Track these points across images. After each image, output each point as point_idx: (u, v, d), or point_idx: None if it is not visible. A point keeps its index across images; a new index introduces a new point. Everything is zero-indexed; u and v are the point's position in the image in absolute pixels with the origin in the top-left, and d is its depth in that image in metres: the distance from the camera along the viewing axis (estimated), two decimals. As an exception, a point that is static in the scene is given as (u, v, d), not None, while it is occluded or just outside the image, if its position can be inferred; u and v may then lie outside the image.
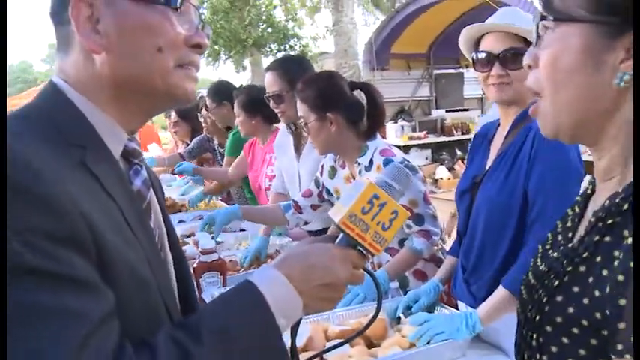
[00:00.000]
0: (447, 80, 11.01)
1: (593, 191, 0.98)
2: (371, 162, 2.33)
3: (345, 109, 2.33)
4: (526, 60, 0.91)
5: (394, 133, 9.62)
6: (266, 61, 16.59)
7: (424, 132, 9.88)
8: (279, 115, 3.08)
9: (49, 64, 52.36)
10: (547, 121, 0.90)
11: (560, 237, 1.01)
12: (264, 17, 15.66)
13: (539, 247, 1.07)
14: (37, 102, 0.94)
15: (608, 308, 0.76)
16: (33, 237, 0.74)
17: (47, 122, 0.90)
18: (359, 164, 2.38)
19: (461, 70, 10.61)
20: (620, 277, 0.75)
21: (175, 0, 0.95)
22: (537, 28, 0.89)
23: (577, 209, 1.01)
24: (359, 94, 2.39)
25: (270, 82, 3.01)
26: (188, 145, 5.16)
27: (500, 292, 1.72)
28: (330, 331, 1.81)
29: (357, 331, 1.11)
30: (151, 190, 1.06)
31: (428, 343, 1.69)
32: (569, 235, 0.98)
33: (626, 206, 0.81)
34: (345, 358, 1.65)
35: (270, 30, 15.94)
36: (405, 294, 2.10)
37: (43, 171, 0.78)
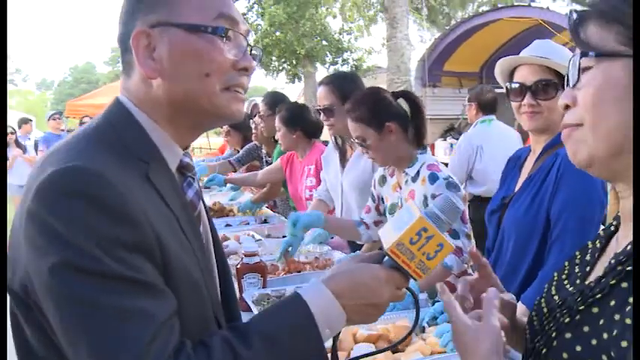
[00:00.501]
0: (499, 100, 10.98)
1: (617, 228, 0.99)
2: (417, 173, 2.45)
3: (398, 118, 2.47)
4: (563, 100, 0.92)
5: (443, 151, 9.66)
6: (319, 73, 16.83)
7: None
8: (328, 127, 3.22)
9: (111, 66, 54.04)
10: (583, 148, 0.89)
11: (577, 268, 1.03)
12: (318, 30, 15.89)
13: (555, 274, 1.09)
14: (107, 118, 1.04)
15: (613, 351, 0.79)
16: (111, 246, 0.84)
17: (116, 139, 1.00)
18: (406, 174, 2.51)
19: (513, 90, 10.55)
20: (628, 321, 0.78)
21: (222, 29, 1.03)
22: (578, 68, 0.89)
23: (598, 244, 1.02)
24: (402, 102, 2.53)
25: (322, 96, 3.17)
26: (239, 152, 5.37)
27: (520, 308, 1.82)
28: (358, 335, 1.94)
29: (390, 345, 1.22)
30: (201, 200, 1.16)
31: (451, 351, 1.80)
32: (587, 269, 0.99)
33: None
34: None
35: (324, 42, 16.14)
36: (432, 305, 2.21)
37: (116, 183, 0.88)
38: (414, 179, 2.47)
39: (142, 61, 1.01)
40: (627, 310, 0.78)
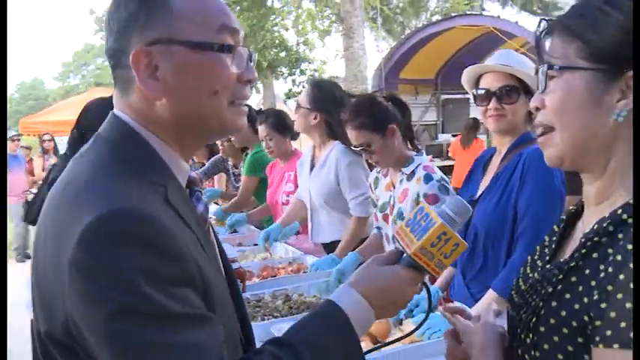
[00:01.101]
0: (454, 105, 11.27)
1: (578, 212, 1.13)
2: (413, 173, 2.57)
3: (395, 119, 2.59)
4: (534, 103, 1.05)
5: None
6: (277, 84, 16.93)
7: (430, 156, 10.08)
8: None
9: (62, 82, 52.80)
10: (556, 151, 1.03)
11: (547, 250, 1.16)
12: (277, 41, 16.01)
13: (529, 257, 1.21)
14: (114, 141, 0.99)
15: (593, 311, 0.90)
16: (164, 285, 0.84)
17: (132, 164, 0.96)
18: (402, 173, 2.62)
19: (467, 95, 10.83)
20: (609, 287, 0.89)
21: (227, 46, 0.99)
22: (545, 76, 1.02)
23: (562, 227, 1.15)
24: (390, 106, 2.65)
25: (303, 93, 3.35)
26: (204, 165, 5.40)
27: (490, 294, 1.98)
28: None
29: (399, 337, 1.31)
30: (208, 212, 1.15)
31: (429, 339, 1.91)
32: (554, 247, 1.13)
33: (611, 228, 0.94)
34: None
35: (283, 54, 16.27)
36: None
37: (160, 220, 0.87)
38: (409, 178, 2.58)
39: (145, 81, 0.97)
40: (601, 276, 0.91)
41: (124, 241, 0.83)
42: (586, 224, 1.05)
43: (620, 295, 0.87)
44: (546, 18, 1.07)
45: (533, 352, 1.02)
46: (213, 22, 0.99)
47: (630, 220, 0.93)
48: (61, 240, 0.87)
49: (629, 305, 0.85)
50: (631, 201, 0.96)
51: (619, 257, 0.90)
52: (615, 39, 0.96)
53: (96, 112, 2.43)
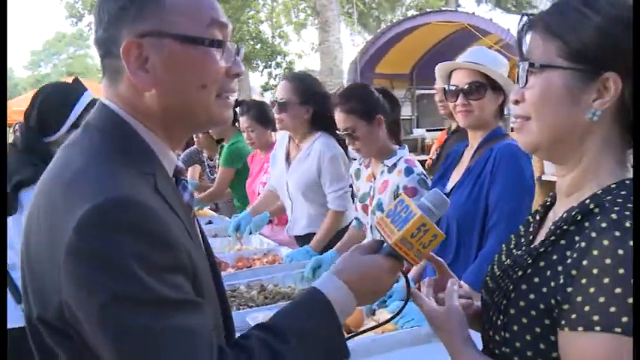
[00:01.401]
0: (428, 100, 11.33)
1: (552, 203, 1.18)
2: (395, 165, 2.62)
3: (384, 111, 2.64)
4: (514, 96, 1.09)
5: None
6: (253, 77, 16.87)
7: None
8: (277, 122, 3.26)
9: (31, 71, 51.86)
10: (531, 138, 1.07)
11: (522, 239, 1.19)
12: (253, 34, 15.96)
13: (504, 246, 1.25)
14: (104, 130, 1.01)
15: (559, 295, 0.95)
16: (158, 272, 0.86)
17: (123, 154, 0.97)
18: (384, 165, 2.66)
19: (442, 91, 10.94)
20: (573, 272, 0.94)
21: (217, 41, 1.01)
22: (526, 72, 1.05)
23: (537, 217, 1.20)
24: (382, 99, 2.69)
25: (282, 89, 3.22)
26: (179, 156, 5.38)
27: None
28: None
29: (375, 325, 1.36)
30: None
31: (402, 327, 1.95)
32: (530, 237, 1.17)
33: (579, 217, 0.99)
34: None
35: (258, 46, 16.22)
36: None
37: (155, 209, 0.89)
38: (390, 170, 2.62)
39: (134, 72, 0.98)
40: (567, 262, 0.96)
41: (120, 228, 0.85)
42: (556, 214, 1.10)
43: (584, 280, 0.92)
44: (528, 14, 1.10)
45: (503, 334, 1.07)
46: (204, 16, 1.01)
47: (596, 210, 0.97)
48: (56, 227, 0.88)
49: (592, 290, 0.90)
50: (599, 192, 1.01)
51: (583, 244, 0.94)
52: (593, 41, 0.99)
53: (56, 101, 2.37)
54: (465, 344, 1.13)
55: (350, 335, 1.32)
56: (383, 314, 2.07)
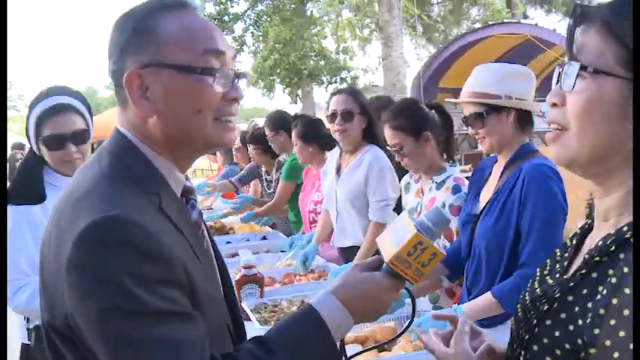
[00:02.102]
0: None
1: (590, 227, 1.05)
2: (443, 182, 2.65)
3: (433, 128, 2.66)
4: (551, 99, 0.96)
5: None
6: (317, 93, 17.07)
7: (469, 165, 10.02)
8: (340, 133, 3.31)
9: (112, 90, 54.21)
10: (566, 152, 0.94)
11: (557, 265, 1.10)
12: (317, 50, 16.17)
13: (538, 270, 1.15)
14: (116, 154, 1.09)
15: (586, 335, 0.86)
16: (151, 285, 0.93)
17: (130, 176, 1.06)
18: (433, 181, 2.69)
19: (507, 104, 10.70)
20: (602, 311, 0.84)
21: (210, 69, 1.08)
22: (576, 76, 0.91)
23: (574, 241, 1.09)
24: (434, 115, 2.72)
25: (340, 102, 3.30)
26: (241, 168, 5.53)
27: (488, 297, 2.02)
28: (347, 336, 2.10)
29: (386, 340, 1.40)
30: (203, 219, 1.25)
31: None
32: (565, 264, 1.06)
33: (613, 247, 0.88)
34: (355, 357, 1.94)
35: (322, 62, 16.41)
36: (433, 308, 2.40)
37: (149, 227, 0.96)
38: (439, 187, 2.65)
39: (137, 101, 1.07)
40: (597, 298, 0.86)
41: (114, 244, 0.93)
42: (593, 240, 0.98)
43: (613, 322, 0.82)
44: (583, 5, 0.95)
45: None
46: (198, 46, 1.08)
47: (632, 240, 0.87)
48: (62, 241, 0.98)
49: (622, 333, 0.81)
50: None
51: (614, 280, 0.85)
52: None
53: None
54: None
55: (358, 352, 1.36)
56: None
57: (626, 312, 0.80)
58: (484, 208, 2.22)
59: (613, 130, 0.89)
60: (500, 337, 2.01)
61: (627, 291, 0.81)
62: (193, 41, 1.08)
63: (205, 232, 1.25)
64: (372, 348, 1.52)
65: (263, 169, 5.15)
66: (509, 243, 2.07)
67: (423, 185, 2.79)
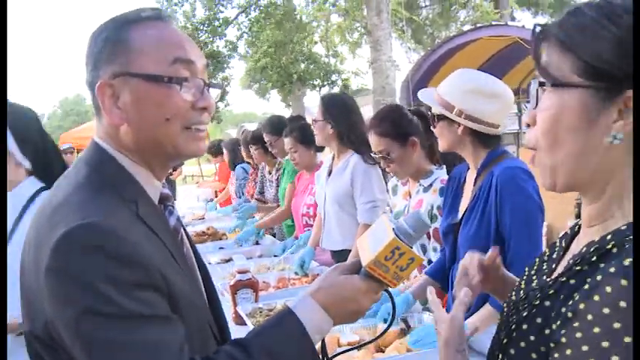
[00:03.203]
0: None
1: (580, 228, 1.05)
2: (430, 185, 2.68)
3: (417, 132, 2.68)
4: (525, 119, 1.00)
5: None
6: (309, 96, 17.13)
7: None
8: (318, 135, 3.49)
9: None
10: (546, 174, 0.97)
11: (545, 265, 1.11)
12: (307, 53, 16.23)
13: (526, 269, 1.17)
14: (93, 165, 1.12)
15: (556, 337, 0.87)
16: (127, 289, 0.95)
17: (107, 185, 1.09)
18: (420, 184, 2.73)
19: (496, 106, 10.75)
20: (569, 315, 0.85)
21: (178, 79, 1.09)
22: (536, 94, 0.95)
23: (563, 243, 1.10)
24: (417, 120, 2.74)
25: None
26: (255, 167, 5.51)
27: (487, 308, 2.04)
28: (341, 341, 2.13)
29: (372, 339, 1.39)
30: (182, 224, 1.26)
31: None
32: (553, 266, 1.07)
33: (594, 258, 0.89)
34: (351, 358, 1.97)
35: (312, 66, 16.46)
36: (423, 309, 2.44)
37: (124, 234, 0.99)
38: (426, 190, 2.68)
39: (108, 110, 1.10)
40: (569, 303, 0.87)
41: (90, 251, 0.96)
42: (579, 244, 1.00)
43: (576, 324, 0.84)
44: (541, 24, 0.98)
45: None
46: (166, 55, 1.10)
47: (615, 250, 0.88)
48: (40, 248, 1.00)
49: (578, 335, 0.83)
50: (623, 227, 0.90)
51: (587, 287, 0.86)
52: (613, 55, 0.87)
53: None
54: (455, 356, 1.11)
55: (340, 352, 1.38)
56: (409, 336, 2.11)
57: (589, 317, 0.82)
58: (463, 216, 2.25)
59: (581, 139, 0.91)
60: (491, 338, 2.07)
61: (596, 298, 0.82)
62: (162, 51, 1.10)
63: (185, 237, 1.27)
64: (352, 349, 1.50)
65: (266, 169, 5.15)
66: (490, 246, 2.09)
67: (410, 188, 2.82)
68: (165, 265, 1.05)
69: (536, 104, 0.95)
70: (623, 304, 0.79)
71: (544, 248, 1.29)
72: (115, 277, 0.95)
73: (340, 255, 3.30)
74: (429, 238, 2.64)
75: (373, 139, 2.72)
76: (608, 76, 0.88)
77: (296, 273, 3.23)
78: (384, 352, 2.08)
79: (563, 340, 0.85)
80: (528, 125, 0.99)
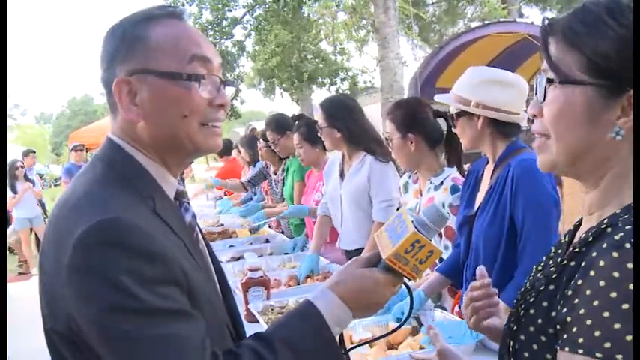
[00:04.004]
0: (492, 113, 11.14)
1: (581, 222, 1.10)
2: (441, 183, 2.69)
3: (425, 133, 2.69)
4: (531, 111, 1.03)
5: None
6: (317, 94, 17.13)
7: (468, 165, 10.03)
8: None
9: (110, 97, 54.24)
10: (547, 158, 1.01)
11: (551, 261, 1.13)
12: (315, 52, 16.22)
13: (534, 268, 1.20)
14: (108, 161, 1.13)
15: (560, 316, 0.90)
16: (148, 284, 0.96)
17: (124, 181, 1.10)
18: (431, 182, 2.74)
19: (505, 103, 10.71)
20: (569, 292, 0.89)
21: (196, 76, 1.11)
22: (544, 88, 0.99)
23: (567, 237, 1.13)
24: (441, 122, 2.75)
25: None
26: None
27: (501, 305, 2.02)
28: (353, 338, 2.14)
29: (385, 333, 1.41)
30: (197, 221, 1.27)
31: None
32: (558, 260, 1.07)
33: (591, 239, 0.94)
34: (364, 356, 1.97)
35: (321, 65, 16.44)
36: (436, 306, 2.43)
37: (144, 229, 1.00)
38: (437, 188, 2.69)
39: (126, 107, 1.11)
40: (571, 283, 0.91)
41: (112, 246, 0.96)
42: (579, 234, 1.05)
43: (576, 301, 0.87)
44: (549, 18, 1.01)
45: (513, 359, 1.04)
46: (184, 53, 1.12)
47: (609, 230, 0.92)
48: (61, 245, 1.01)
49: (582, 311, 0.86)
50: (618, 211, 0.95)
51: (583, 264, 0.90)
52: (617, 54, 0.91)
53: None
54: None
55: (353, 345, 1.39)
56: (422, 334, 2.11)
57: (587, 292, 0.85)
58: (478, 208, 2.26)
59: (585, 133, 0.95)
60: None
61: (592, 273, 0.86)
62: (180, 48, 1.12)
63: (200, 234, 1.28)
64: (366, 342, 1.53)
65: (271, 168, 5.15)
66: (504, 239, 2.12)
67: (421, 186, 2.83)
68: (185, 262, 1.06)
69: (544, 98, 0.99)
70: (616, 274, 0.83)
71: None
72: (137, 272, 0.96)
73: (354, 254, 3.26)
74: (440, 236, 2.64)
75: (386, 121, 2.80)
76: (612, 74, 0.91)
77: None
78: (396, 349, 2.09)
79: (569, 319, 0.87)
80: (535, 116, 1.02)
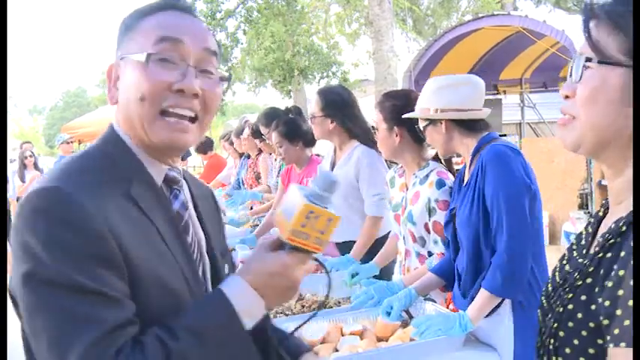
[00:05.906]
0: (486, 106, 11.15)
1: (605, 214, 1.10)
2: (426, 177, 2.65)
3: (412, 127, 2.64)
4: (564, 91, 1.03)
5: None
6: (310, 88, 17.07)
7: (462, 157, 10.04)
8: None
9: (102, 89, 54.14)
10: (573, 135, 1.01)
11: (575, 253, 1.13)
12: (308, 46, 16.15)
13: (558, 262, 1.18)
14: (100, 142, 1.15)
15: (603, 310, 0.89)
16: (72, 257, 0.95)
17: (104, 160, 1.11)
18: (416, 176, 2.71)
19: (499, 96, 10.75)
20: (609, 284, 0.89)
21: (153, 55, 1.09)
22: (582, 67, 0.99)
23: (590, 229, 1.13)
24: None
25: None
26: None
27: (482, 293, 2.05)
28: (344, 330, 2.13)
29: (319, 303, 1.33)
30: (190, 208, 1.23)
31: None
32: (584, 251, 1.10)
33: (624, 228, 0.93)
34: (354, 347, 1.97)
35: (313, 58, 16.38)
36: (425, 299, 2.44)
37: (82, 202, 0.98)
38: (422, 181, 2.65)
39: (109, 89, 1.18)
40: (611, 274, 0.90)
41: (37, 213, 0.97)
42: (607, 224, 1.04)
43: (621, 292, 0.86)
44: (592, 2, 1.01)
45: (555, 358, 1.03)
46: (152, 34, 1.11)
47: None
48: None
49: (630, 303, 0.84)
50: None
51: (623, 254, 0.90)
52: None
53: None
54: None
55: (299, 325, 1.35)
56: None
57: (631, 282, 0.85)
58: (458, 202, 2.28)
59: (615, 114, 0.95)
60: (493, 327, 2.07)
61: (632, 263, 0.85)
62: (150, 29, 1.12)
63: (196, 224, 1.24)
64: (312, 316, 1.40)
65: (273, 156, 5.10)
66: (481, 227, 2.13)
67: (407, 180, 2.81)
68: (141, 246, 1.03)
69: (580, 78, 0.99)
70: None
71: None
72: (57, 243, 0.95)
73: (345, 246, 3.28)
74: (429, 231, 2.62)
75: (376, 112, 2.79)
76: None
77: None
78: (384, 341, 2.08)
79: (618, 312, 0.86)
80: (567, 97, 1.03)
